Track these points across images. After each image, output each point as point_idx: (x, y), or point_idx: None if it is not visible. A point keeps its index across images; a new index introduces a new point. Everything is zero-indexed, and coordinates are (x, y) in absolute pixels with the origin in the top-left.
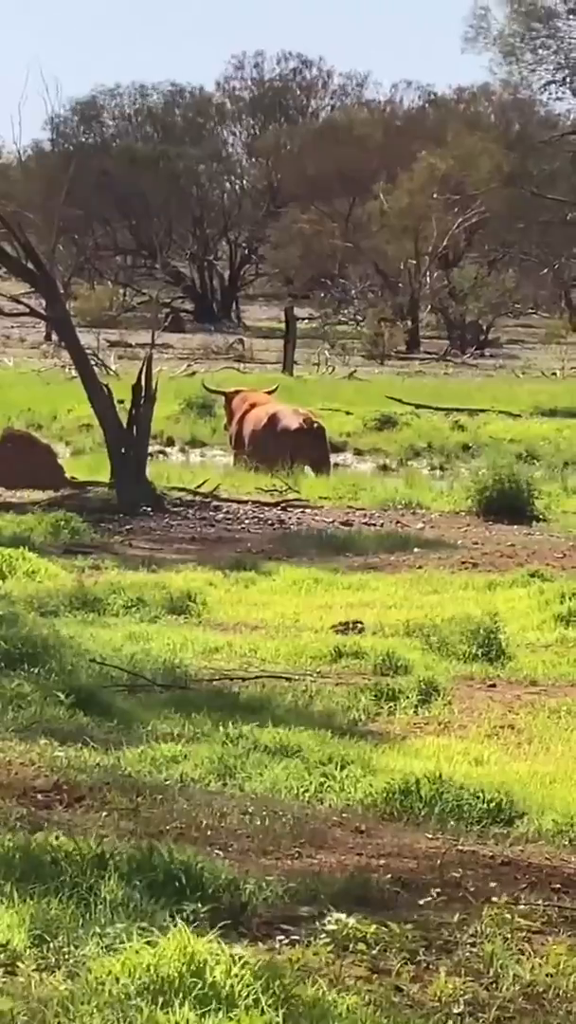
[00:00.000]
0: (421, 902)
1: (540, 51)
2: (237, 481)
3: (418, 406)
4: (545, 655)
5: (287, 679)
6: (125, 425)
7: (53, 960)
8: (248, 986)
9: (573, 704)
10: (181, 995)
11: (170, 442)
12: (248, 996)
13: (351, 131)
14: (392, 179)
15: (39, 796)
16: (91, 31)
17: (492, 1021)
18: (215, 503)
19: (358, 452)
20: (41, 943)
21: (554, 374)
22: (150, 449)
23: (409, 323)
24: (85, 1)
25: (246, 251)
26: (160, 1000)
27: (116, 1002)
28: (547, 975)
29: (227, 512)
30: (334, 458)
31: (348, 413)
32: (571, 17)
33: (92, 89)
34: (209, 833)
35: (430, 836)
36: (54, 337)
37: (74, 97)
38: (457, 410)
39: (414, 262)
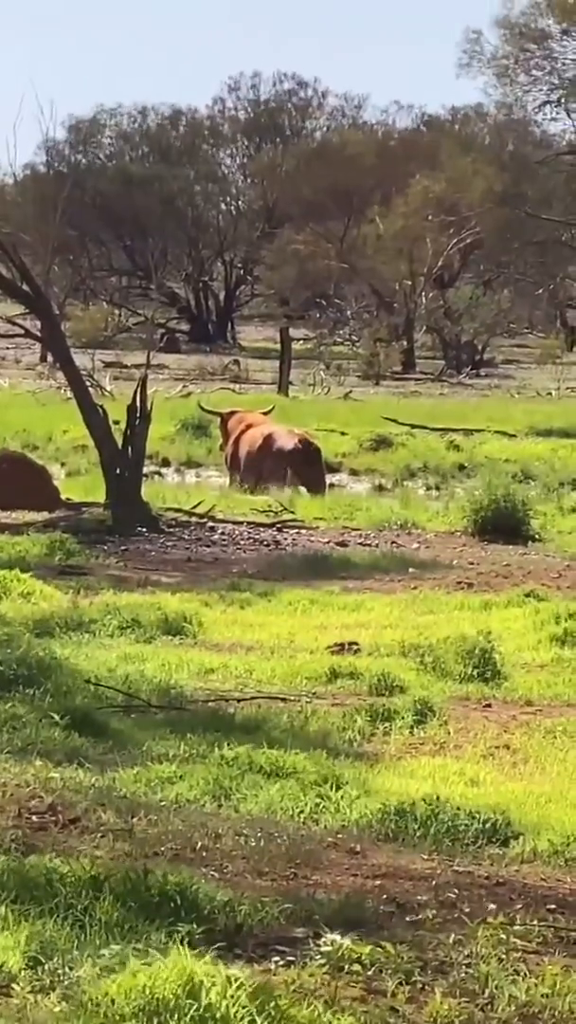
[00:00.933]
0: (416, 923)
1: (534, 72)
2: (232, 502)
3: (413, 426)
4: (541, 675)
5: (282, 700)
6: (120, 446)
7: (48, 982)
8: (243, 1007)
9: (569, 724)
10: (176, 1017)
11: (165, 463)
12: (243, 1018)
13: (346, 152)
14: (387, 200)
15: (34, 817)
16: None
17: None
18: (211, 524)
19: (353, 472)
20: (36, 965)
21: (549, 394)
22: (145, 470)
23: (404, 343)
24: (87, 23)
25: (241, 271)
26: (155, 1022)
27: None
28: (543, 995)
29: (223, 533)
30: (329, 478)
31: (343, 433)
32: (565, 38)
33: (93, 108)
34: (204, 854)
35: (425, 857)
36: (49, 358)
37: (75, 115)
38: (453, 430)
39: (409, 283)
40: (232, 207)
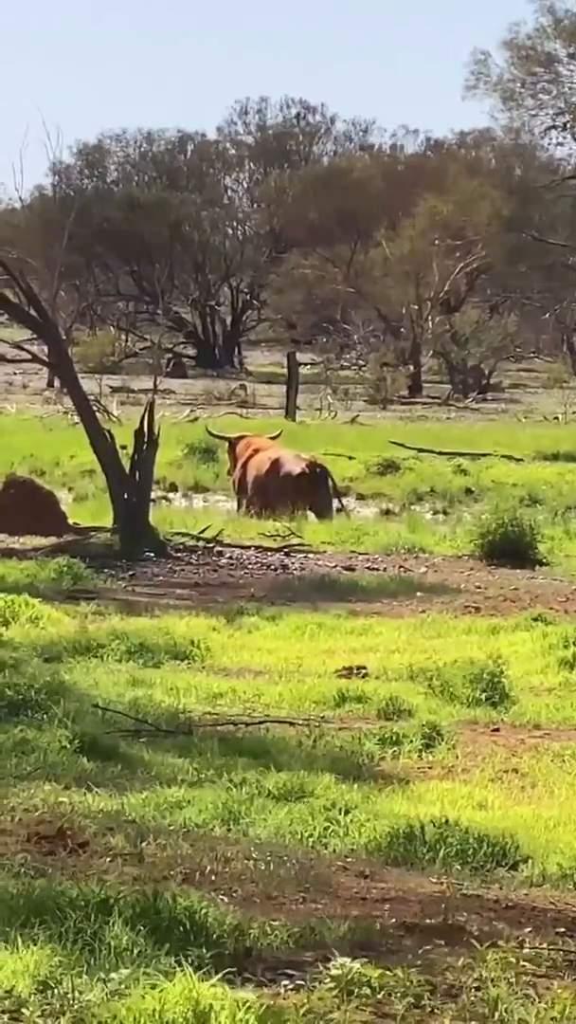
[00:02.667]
0: (425, 946)
1: (541, 96)
2: (240, 526)
3: (420, 450)
4: (549, 699)
5: (291, 724)
6: (128, 471)
7: (58, 1006)
8: None
9: None
10: None
11: (173, 487)
12: None
13: (353, 177)
14: (394, 224)
15: (43, 842)
16: (99, 76)
17: None
18: (218, 548)
19: (361, 497)
20: (45, 989)
21: (556, 418)
22: (153, 494)
23: (411, 368)
24: (93, 46)
25: (248, 296)
26: None
27: None
28: (552, 1019)
29: (230, 557)
30: (337, 503)
31: (351, 458)
32: (572, 62)
33: (99, 134)
34: (213, 878)
35: (434, 880)
36: (56, 383)
37: (81, 140)
38: (460, 454)
39: (416, 307)
40: (239, 232)
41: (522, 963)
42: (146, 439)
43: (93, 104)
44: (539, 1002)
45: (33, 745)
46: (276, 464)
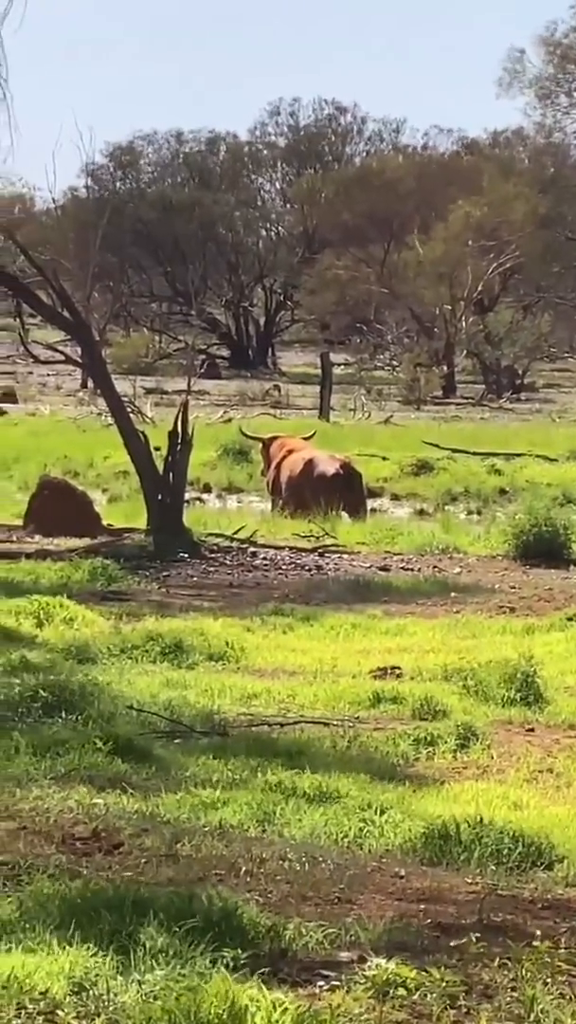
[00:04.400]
0: (461, 947)
1: (575, 94)
2: (274, 527)
3: (454, 451)
4: None
5: (325, 724)
6: (162, 472)
7: (93, 1008)
8: None
9: None
10: None
11: (207, 488)
12: None
13: (385, 177)
14: (427, 224)
15: (78, 843)
16: (131, 78)
17: None
18: (252, 549)
19: (395, 497)
20: (80, 991)
21: None
22: (187, 495)
23: (445, 368)
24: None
25: (281, 297)
26: None
27: None
28: None
29: (264, 558)
30: (370, 503)
31: (384, 458)
32: None
33: (130, 135)
34: (249, 879)
35: (470, 880)
36: (90, 384)
37: (113, 141)
38: (494, 454)
39: (449, 307)
40: (272, 233)
41: (558, 963)
42: (180, 440)
43: (125, 105)
44: (575, 1002)
45: (68, 746)
46: (310, 465)
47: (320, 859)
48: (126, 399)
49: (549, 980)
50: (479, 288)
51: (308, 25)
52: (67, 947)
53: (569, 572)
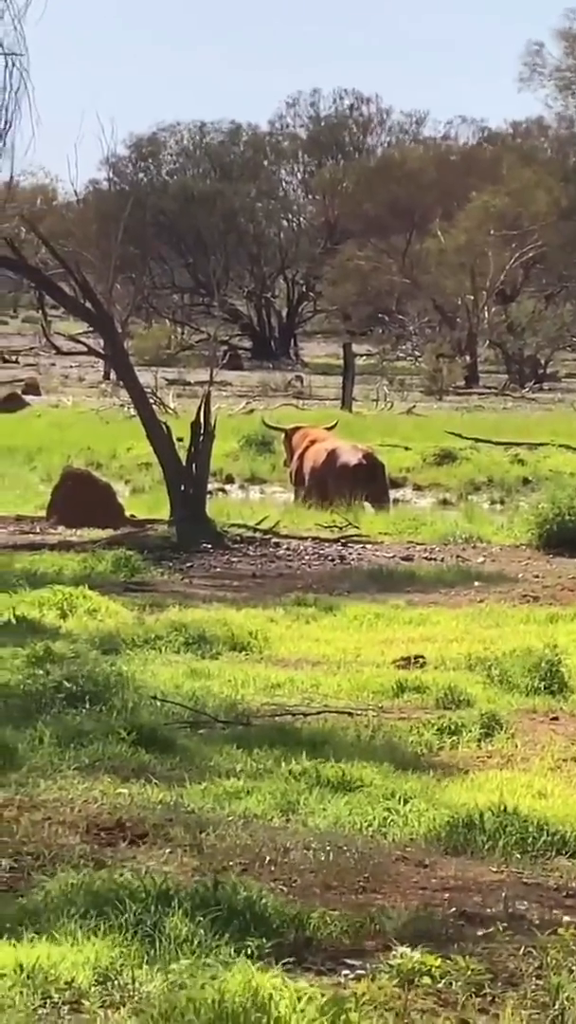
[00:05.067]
0: (486, 935)
1: None
2: (297, 517)
3: (477, 440)
4: None
5: (349, 714)
6: (184, 463)
7: (118, 997)
8: (313, 1021)
9: None
10: None
11: (229, 479)
12: None
13: (407, 168)
14: (449, 215)
15: (102, 833)
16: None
17: None
18: (275, 540)
19: (417, 487)
20: (106, 980)
21: None
22: (209, 486)
23: (467, 358)
24: (146, 40)
25: (303, 288)
26: None
27: None
28: None
29: (287, 548)
30: (393, 493)
31: (407, 448)
32: None
33: (153, 125)
34: (273, 868)
35: (494, 869)
36: (112, 376)
37: (135, 133)
38: (516, 444)
39: (472, 297)
40: (293, 224)
41: None
42: (202, 431)
43: (147, 97)
44: None
45: (91, 737)
46: (333, 455)
47: (344, 848)
48: (148, 390)
49: (574, 968)
50: (501, 278)
51: (330, 18)
52: (92, 937)
53: None
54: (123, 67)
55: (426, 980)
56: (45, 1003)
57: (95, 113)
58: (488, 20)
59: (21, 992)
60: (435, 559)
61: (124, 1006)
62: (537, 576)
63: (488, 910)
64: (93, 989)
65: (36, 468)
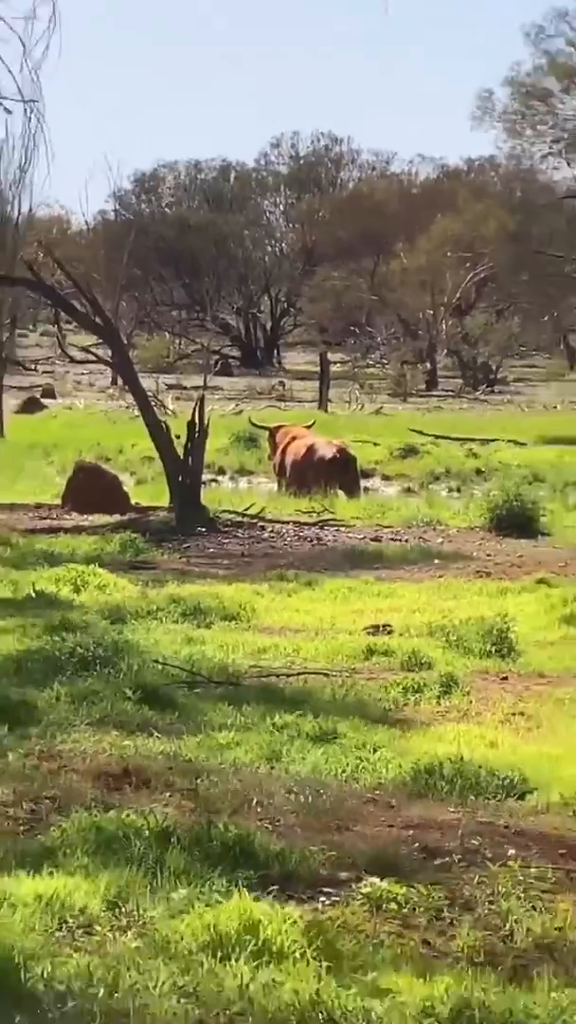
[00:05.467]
0: (445, 867)
1: (539, 127)
2: (280, 504)
3: (437, 437)
4: (551, 651)
5: (325, 675)
6: (182, 457)
7: (125, 922)
8: (295, 942)
9: None
10: (238, 950)
11: (221, 471)
12: (296, 950)
13: (375, 199)
14: (411, 240)
15: (111, 780)
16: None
17: (508, 969)
18: (261, 523)
19: (385, 477)
20: (114, 908)
21: (555, 408)
22: (204, 477)
23: (428, 365)
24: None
25: (285, 305)
26: (219, 955)
27: (181, 957)
28: (556, 929)
29: (271, 531)
30: (364, 483)
31: (375, 444)
32: (565, 96)
33: (153, 163)
34: (259, 810)
35: (452, 810)
36: (119, 381)
37: (139, 170)
38: (471, 440)
39: (431, 312)
40: (276, 249)
41: (529, 881)
42: (197, 429)
43: (148, 136)
44: (545, 914)
45: (101, 696)
46: (311, 450)
47: (321, 792)
48: (150, 394)
49: (522, 896)
50: (457, 295)
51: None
52: (102, 870)
53: (537, 541)
54: (128, 109)
55: (392, 906)
56: (61, 927)
57: (104, 154)
58: (447, 67)
59: (40, 918)
60: (400, 540)
61: (131, 930)
62: (489, 555)
63: (446, 845)
64: (103, 915)
65: (52, 462)
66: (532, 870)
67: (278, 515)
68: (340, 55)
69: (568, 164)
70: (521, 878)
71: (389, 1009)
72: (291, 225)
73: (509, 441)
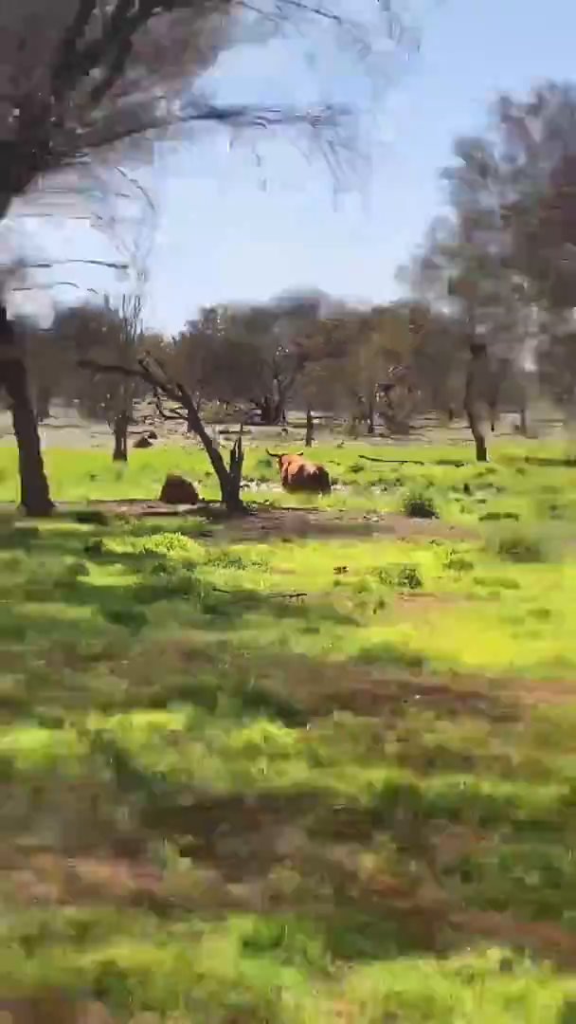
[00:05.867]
0: (380, 703)
1: (435, 282)
2: (284, 499)
3: (373, 460)
4: (440, 583)
5: (304, 595)
6: (228, 471)
7: (198, 735)
8: (292, 746)
9: (457, 608)
10: (258, 752)
11: (250, 480)
12: (294, 753)
13: (343, 329)
14: (359, 348)
15: (189, 657)
16: (214, 261)
17: (422, 761)
18: (273, 510)
19: (344, 483)
20: (189, 730)
21: (440, 442)
22: (241, 483)
23: (368, 420)
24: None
25: (287, 385)
26: (247, 755)
27: (228, 756)
28: (443, 739)
29: (279, 515)
30: (333, 487)
31: (338, 464)
32: (448, 265)
33: (215, 302)
34: (274, 671)
35: (384, 673)
36: (191, 429)
37: (203, 307)
38: (394, 461)
39: (371, 389)
40: (282, 354)
41: (428, 711)
42: (237, 456)
43: (215, 279)
44: (439, 732)
45: (183, 611)
46: (301, 468)
47: (310, 662)
48: (212, 436)
49: (419, 718)
50: (386, 379)
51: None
52: (181, 708)
53: (431, 520)
54: (204, 261)
55: (350, 729)
56: (156, 737)
57: (183, 293)
58: (383, 228)
59: (148, 734)
60: (354, 519)
61: (201, 741)
62: (404, 528)
63: (378, 692)
64: (182, 733)
65: (155, 476)
66: (430, 706)
67: (282, 505)
68: (323, 249)
69: (448, 307)
70: (420, 710)
71: (348, 786)
72: (289, 342)
73: (415, 462)
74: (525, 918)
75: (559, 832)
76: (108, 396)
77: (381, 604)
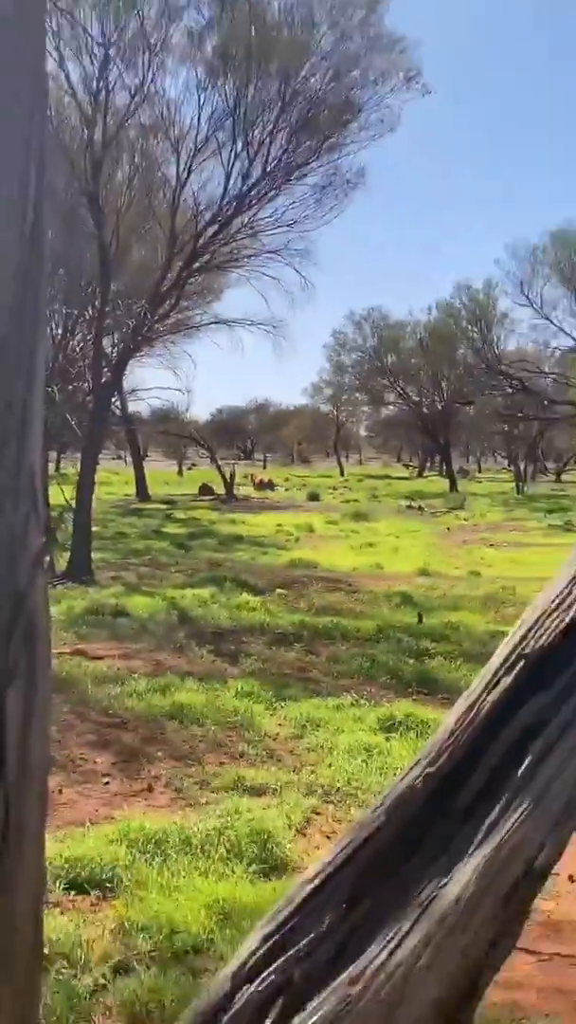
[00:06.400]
0: (304, 587)
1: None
2: (253, 494)
3: (296, 475)
4: (324, 529)
5: (264, 536)
6: (228, 480)
7: (215, 599)
8: (259, 604)
9: (331, 541)
10: (244, 607)
11: (239, 485)
12: (259, 607)
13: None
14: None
15: (213, 565)
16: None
17: (316, 611)
18: (248, 499)
19: (283, 487)
20: (212, 596)
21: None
22: (234, 487)
23: (292, 457)
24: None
25: (256, 442)
26: (239, 608)
27: (228, 608)
28: (326, 601)
29: (252, 501)
30: (276, 488)
31: (280, 477)
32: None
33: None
34: (249, 570)
35: (297, 571)
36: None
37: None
38: (303, 476)
39: (294, 444)
40: (254, 426)
41: (320, 588)
42: (231, 474)
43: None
44: (327, 598)
45: (207, 544)
46: (262, 479)
47: (266, 566)
48: (221, 463)
49: (313, 590)
50: (298, 439)
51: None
52: (207, 587)
53: (319, 503)
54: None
55: (285, 595)
56: (196, 600)
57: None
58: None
59: (190, 599)
60: (285, 503)
61: (217, 604)
62: (307, 507)
63: (299, 580)
64: (209, 599)
65: (196, 484)
66: (320, 586)
67: (252, 497)
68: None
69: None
70: (317, 588)
71: (282, 623)
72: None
73: (311, 476)
74: (361, 682)
75: (375, 643)
76: (182, 447)
77: (297, 540)
